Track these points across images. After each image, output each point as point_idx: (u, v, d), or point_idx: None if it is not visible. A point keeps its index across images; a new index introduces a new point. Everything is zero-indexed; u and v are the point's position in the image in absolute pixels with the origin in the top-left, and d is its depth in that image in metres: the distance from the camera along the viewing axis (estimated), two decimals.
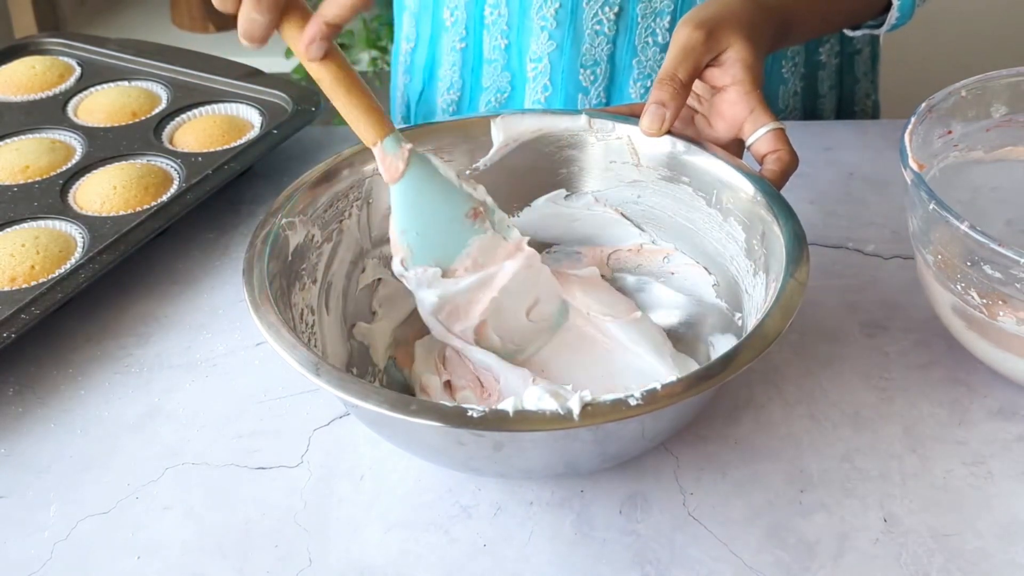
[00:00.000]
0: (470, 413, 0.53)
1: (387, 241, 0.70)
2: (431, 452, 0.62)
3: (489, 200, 0.67)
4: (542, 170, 0.74)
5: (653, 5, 0.90)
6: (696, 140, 0.70)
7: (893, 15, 0.85)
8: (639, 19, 0.91)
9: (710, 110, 0.72)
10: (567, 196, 0.74)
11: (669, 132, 0.69)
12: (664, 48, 0.92)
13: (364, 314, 0.71)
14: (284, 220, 0.64)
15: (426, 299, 0.66)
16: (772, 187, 0.67)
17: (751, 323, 0.64)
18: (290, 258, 0.64)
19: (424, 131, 0.73)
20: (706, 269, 0.72)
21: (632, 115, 0.72)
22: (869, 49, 1.03)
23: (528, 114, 0.73)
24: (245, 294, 0.61)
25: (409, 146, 0.64)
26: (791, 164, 0.68)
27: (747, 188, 0.67)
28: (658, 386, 0.54)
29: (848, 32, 0.90)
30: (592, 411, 0.53)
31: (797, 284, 0.60)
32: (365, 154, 0.68)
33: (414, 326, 0.71)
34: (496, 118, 0.72)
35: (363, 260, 0.71)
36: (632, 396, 0.53)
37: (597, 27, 0.91)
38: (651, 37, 0.91)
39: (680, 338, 0.72)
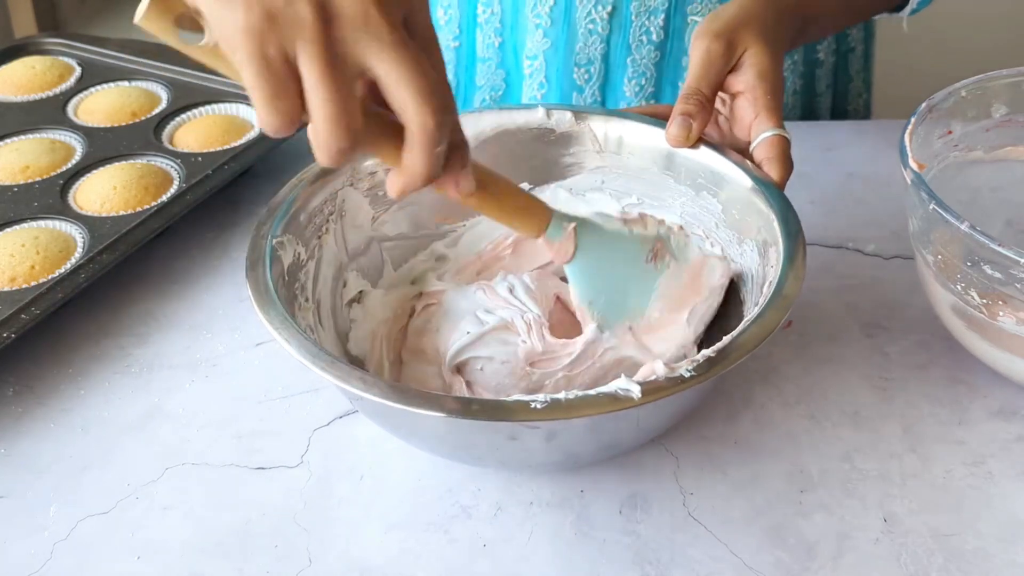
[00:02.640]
0: (533, 404, 0.53)
1: (363, 253, 0.71)
2: (443, 445, 0.62)
3: (662, 230, 0.66)
4: (505, 166, 0.73)
5: (647, 4, 0.90)
6: (716, 144, 0.70)
7: None
8: (633, 17, 0.91)
9: (730, 113, 0.72)
10: (530, 189, 0.74)
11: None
12: (658, 47, 0.92)
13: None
14: (274, 240, 0.64)
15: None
16: (740, 156, 0.68)
17: (751, 288, 0.66)
18: (286, 277, 0.64)
19: None
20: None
21: (654, 116, 0.72)
22: (863, 47, 1.03)
23: (485, 112, 0.73)
24: (250, 292, 0.60)
25: (573, 224, 0.63)
26: (781, 173, 0.67)
27: (716, 161, 0.68)
28: (712, 352, 0.55)
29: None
30: (650, 388, 0.53)
31: (798, 245, 0.62)
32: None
33: (399, 324, 0.71)
34: None
35: (344, 274, 0.70)
36: (684, 368, 0.54)
37: (591, 26, 0.91)
38: (645, 36, 0.91)
39: None
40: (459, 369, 0.66)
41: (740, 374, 0.70)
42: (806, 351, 0.72)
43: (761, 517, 0.62)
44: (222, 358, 0.73)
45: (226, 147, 0.88)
